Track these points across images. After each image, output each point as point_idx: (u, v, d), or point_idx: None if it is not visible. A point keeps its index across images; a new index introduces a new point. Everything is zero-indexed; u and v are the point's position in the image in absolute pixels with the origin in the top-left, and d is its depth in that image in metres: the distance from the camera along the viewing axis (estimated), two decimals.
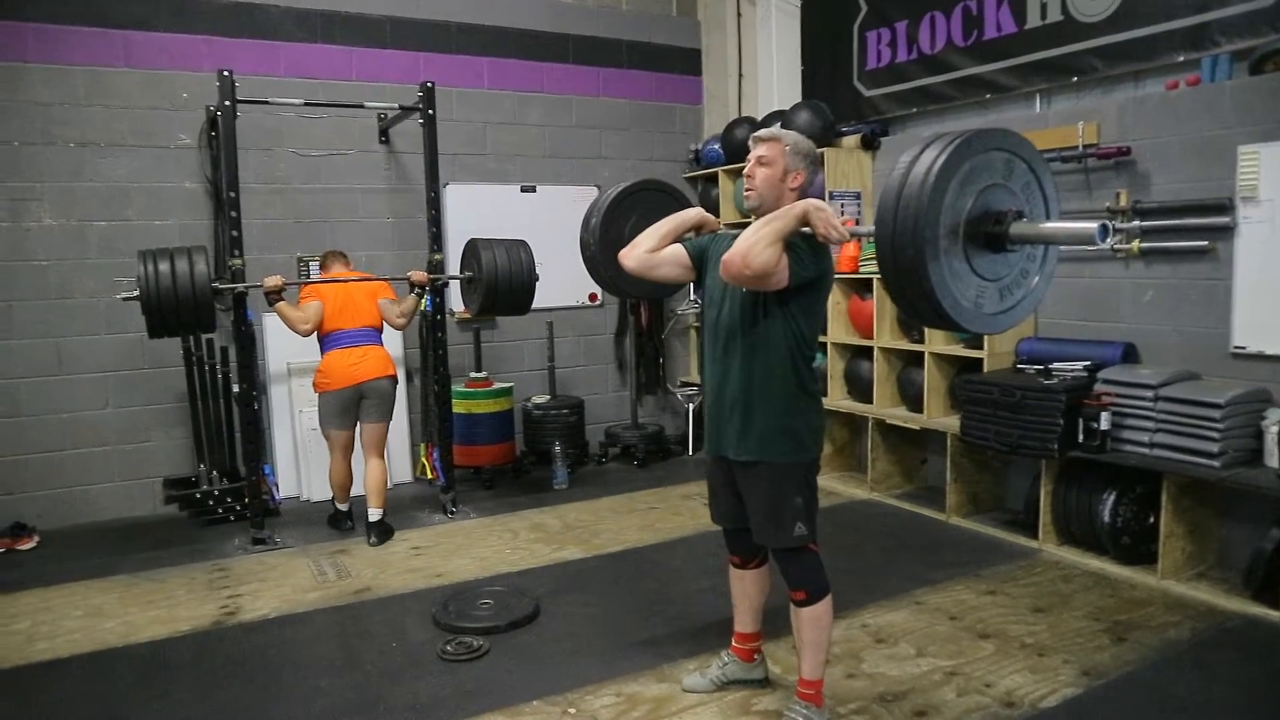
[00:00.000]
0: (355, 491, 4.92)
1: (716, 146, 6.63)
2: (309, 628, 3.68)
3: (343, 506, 4.95)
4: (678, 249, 2.81)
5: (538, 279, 5.01)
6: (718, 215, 6.67)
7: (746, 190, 2.66)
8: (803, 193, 2.64)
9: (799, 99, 6.11)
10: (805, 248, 2.51)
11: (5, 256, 4.99)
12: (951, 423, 4.65)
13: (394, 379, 4.85)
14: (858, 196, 5.62)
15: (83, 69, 5.10)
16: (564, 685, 3.11)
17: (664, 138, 6.95)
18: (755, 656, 3.05)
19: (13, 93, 4.97)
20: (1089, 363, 4.25)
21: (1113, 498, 3.96)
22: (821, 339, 5.70)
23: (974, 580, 3.95)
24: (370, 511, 4.75)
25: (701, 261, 2.81)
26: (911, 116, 5.49)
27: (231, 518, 5.09)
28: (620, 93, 6.75)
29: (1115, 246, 4.22)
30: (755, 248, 2.38)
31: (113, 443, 5.30)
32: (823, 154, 5.52)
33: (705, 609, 3.72)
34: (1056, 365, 4.32)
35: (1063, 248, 2.41)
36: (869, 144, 5.62)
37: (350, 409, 4.71)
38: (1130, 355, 4.27)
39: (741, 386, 2.65)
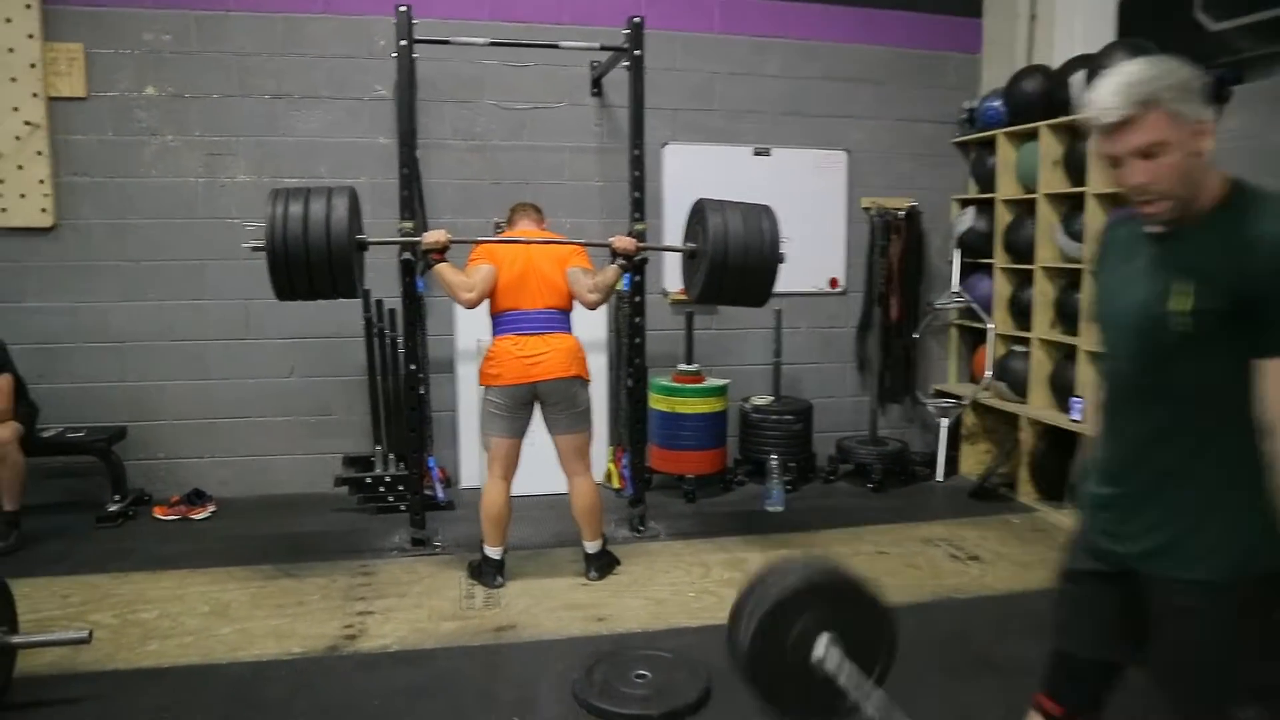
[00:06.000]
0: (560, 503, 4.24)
1: (998, 104, 5.31)
2: (426, 672, 3.02)
3: (493, 552, 3.74)
4: None
5: (783, 259, 3.90)
6: (992, 190, 5.37)
7: (1146, 207, 1.54)
8: None
9: (1111, 39, 4.68)
10: None
11: (201, 213, 4.81)
12: None
13: (583, 380, 3.76)
14: None
15: (282, 17, 4.78)
16: None
17: (928, 93, 5.69)
18: None
19: (215, 43, 4.74)
20: None
21: None
22: None
23: None
24: (586, 545, 3.85)
25: None
26: (1278, 56, 3.93)
27: (402, 507, 4.60)
28: (878, 38, 5.57)
29: None
30: None
31: (296, 413, 5.03)
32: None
33: None
34: None
35: None
36: (1214, 95, 4.12)
37: (521, 413, 3.69)
38: None
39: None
